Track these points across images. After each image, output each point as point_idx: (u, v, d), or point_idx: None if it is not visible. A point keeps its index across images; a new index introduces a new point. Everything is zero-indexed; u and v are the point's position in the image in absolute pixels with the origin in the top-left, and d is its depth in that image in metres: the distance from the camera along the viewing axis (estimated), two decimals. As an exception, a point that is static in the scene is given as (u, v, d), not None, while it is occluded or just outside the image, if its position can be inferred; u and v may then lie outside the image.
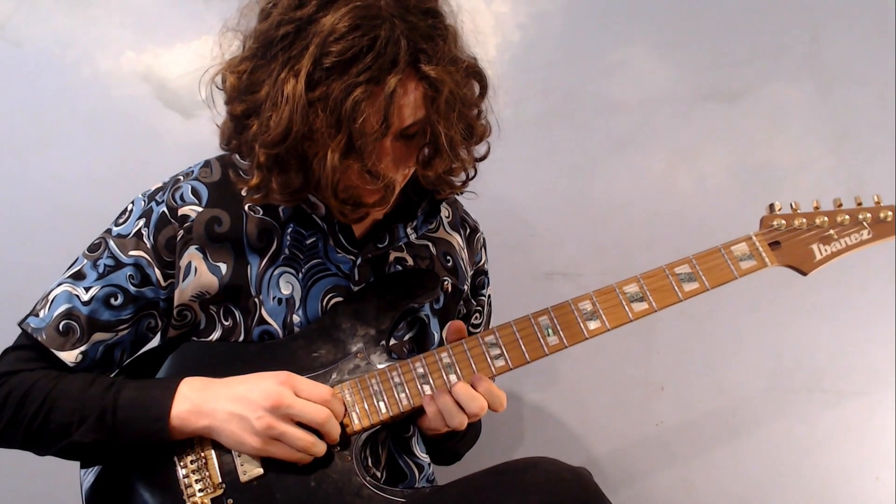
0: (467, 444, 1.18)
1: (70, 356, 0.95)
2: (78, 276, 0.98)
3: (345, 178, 0.88)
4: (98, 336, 0.97)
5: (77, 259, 1.01)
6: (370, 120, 0.82)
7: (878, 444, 1.54)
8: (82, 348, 0.96)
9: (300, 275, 1.01)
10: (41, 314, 0.97)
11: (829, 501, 1.54)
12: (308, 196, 0.99)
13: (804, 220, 1.01)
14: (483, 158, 1.03)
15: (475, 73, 0.94)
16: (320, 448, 0.90)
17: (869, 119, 1.57)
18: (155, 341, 1.07)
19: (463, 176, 1.02)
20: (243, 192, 0.95)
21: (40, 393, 0.92)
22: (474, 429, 1.18)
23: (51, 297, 0.97)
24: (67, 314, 0.96)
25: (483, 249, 1.21)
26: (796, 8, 1.60)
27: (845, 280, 1.55)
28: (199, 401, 0.90)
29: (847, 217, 1.01)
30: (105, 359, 1.00)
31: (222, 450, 0.93)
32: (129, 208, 1.03)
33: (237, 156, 1.03)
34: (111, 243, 1.00)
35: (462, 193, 1.08)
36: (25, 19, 1.56)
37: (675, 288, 0.98)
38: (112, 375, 1.00)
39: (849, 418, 1.55)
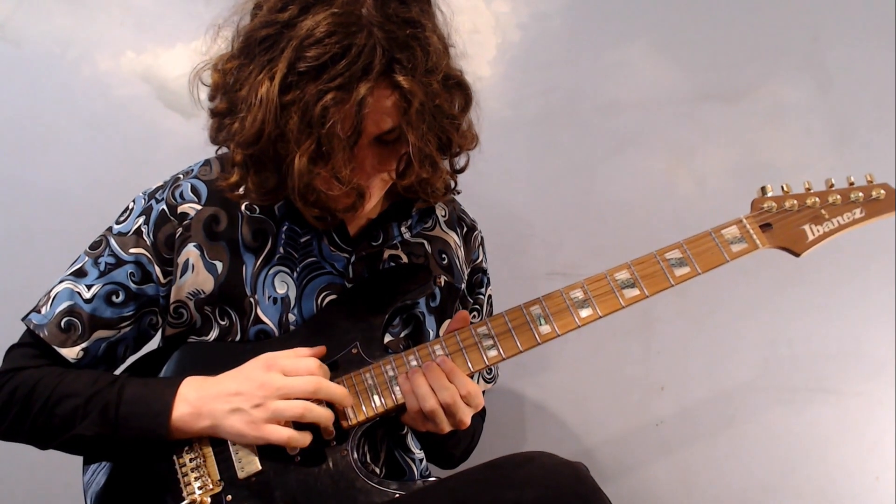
0: (459, 445, 1.17)
1: (71, 353, 0.96)
2: (79, 274, 0.99)
3: (313, 182, 0.88)
4: (100, 333, 0.98)
5: (79, 257, 1.02)
6: (339, 126, 0.82)
7: (878, 444, 1.54)
8: (84, 345, 0.97)
9: (295, 274, 1.02)
10: (43, 311, 0.98)
11: (829, 501, 1.54)
12: (285, 196, 0.98)
13: (795, 202, 1.00)
14: (462, 170, 1.03)
15: (457, 84, 0.92)
16: (321, 415, 0.91)
17: (869, 119, 1.57)
18: (154, 342, 1.08)
19: (442, 186, 1.02)
20: (222, 185, 0.95)
21: (46, 388, 0.93)
22: (467, 432, 1.17)
23: (52, 294, 0.99)
24: (69, 311, 0.97)
25: (481, 248, 1.21)
26: (796, 8, 1.59)
27: (845, 279, 1.55)
28: (197, 402, 0.91)
29: (839, 197, 1.00)
30: (108, 355, 1.01)
31: (220, 447, 0.93)
32: (130, 207, 1.04)
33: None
34: (112, 241, 1.01)
35: (456, 194, 1.09)
36: (25, 19, 1.57)
37: (667, 273, 0.97)
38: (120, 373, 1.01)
39: (849, 418, 1.55)
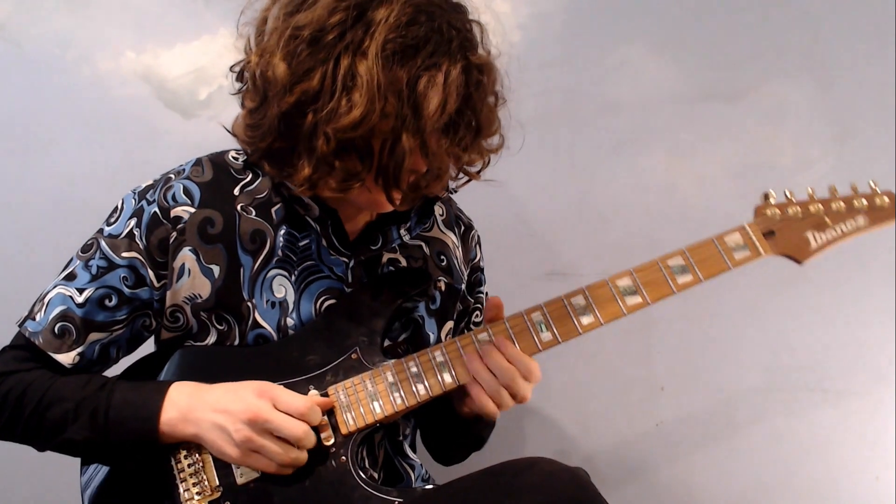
0: (488, 427, 1.16)
1: (67, 358, 0.96)
2: (71, 278, 0.98)
3: (408, 162, 0.87)
4: (93, 336, 0.97)
5: (71, 260, 1.01)
6: (433, 104, 0.84)
7: (878, 444, 1.54)
8: (79, 349, 0.96)
9: (293, 277, 1.01)
10: (38, 317, 0.97)
11: (829, 501, 1.54)
12: (317, 192, 0.96)
13: (798, 209, 0.99)
14: (496, 151, 1.03)
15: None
16: (300, 460, 0.90)
17: (869, 119, 1.57)
18: (151, 346, 1.07)
19: (476, 166, 1.01)
20: (293, 185, 0.92)
21: (37, 391, 0.93)
22: (487, 425, 1.16)
23: (46, 300, 0.97)
24: (62, 316, 0.96)
25: (478, 247, 1.21)
26: (796, 8, 1.59)
27: (845, 280, 1.55)
28: (186, 408, 0.91)
29: (842, 204, 0.99)
30: (101, 357, 1.00)
31: None
32: (118, 206, 1.02)
33: (232, 155, 1.05)
34: (103, 244, 0.99)
35: (453, 193, 1.10)
36: (25, 19, 1.56)
37: (669, 280, 0.97)
38: (111, 376, 1.00)
39: (849, 418, 1.55)
